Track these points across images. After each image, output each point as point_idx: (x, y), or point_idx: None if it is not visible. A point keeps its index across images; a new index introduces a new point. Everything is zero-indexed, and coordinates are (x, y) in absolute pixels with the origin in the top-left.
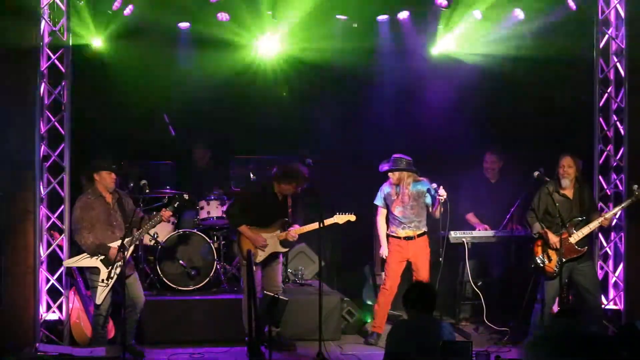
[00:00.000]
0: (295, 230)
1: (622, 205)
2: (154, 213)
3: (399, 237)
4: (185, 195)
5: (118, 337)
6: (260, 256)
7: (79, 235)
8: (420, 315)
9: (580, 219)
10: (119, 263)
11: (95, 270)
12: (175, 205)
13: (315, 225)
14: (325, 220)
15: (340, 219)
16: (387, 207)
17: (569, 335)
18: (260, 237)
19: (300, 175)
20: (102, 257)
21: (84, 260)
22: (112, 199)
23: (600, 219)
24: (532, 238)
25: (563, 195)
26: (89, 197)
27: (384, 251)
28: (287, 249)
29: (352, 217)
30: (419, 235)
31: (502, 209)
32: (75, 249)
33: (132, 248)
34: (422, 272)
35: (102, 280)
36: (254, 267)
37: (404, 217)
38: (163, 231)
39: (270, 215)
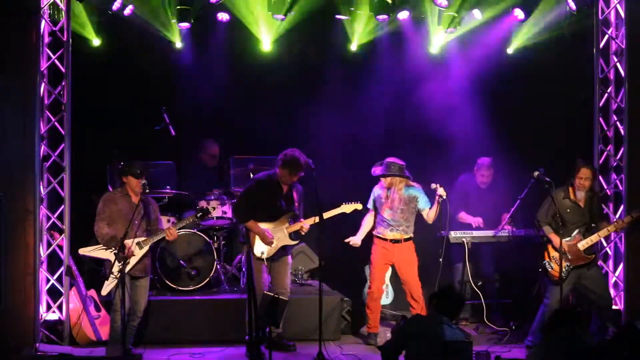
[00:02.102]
0: (307, 221)
1: (632, 215)
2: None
3: (385, 239)
4: (210, 209)
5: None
6: (271, 250)
7: (96, 225)
8: (438, 316)
9: (592, 225)
10: (128, 260)
11: (108, 263)
12: (198, 216)
13: (327, 215)
14: (332, 211)
15: (347, 208)
16: (376, 209)
17: (568, 350)
18: (268, 233)
19: (297, 162)
20: (115, 250)
21: (99, 251)
22: (138, 200)
23: (611, 228)
24: (532, 239)
25: (574, 202)
26: (116, 193)
27: (356, 238)
28: (296, 242)
29: (359, 206)
30: (405, 240)
31: (493, 212)
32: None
33: (145, 249)
34: (408, 277)
35: (112, 274)
36: (263, 264)
37: (392, 219)
38: None
39: (277, 209)
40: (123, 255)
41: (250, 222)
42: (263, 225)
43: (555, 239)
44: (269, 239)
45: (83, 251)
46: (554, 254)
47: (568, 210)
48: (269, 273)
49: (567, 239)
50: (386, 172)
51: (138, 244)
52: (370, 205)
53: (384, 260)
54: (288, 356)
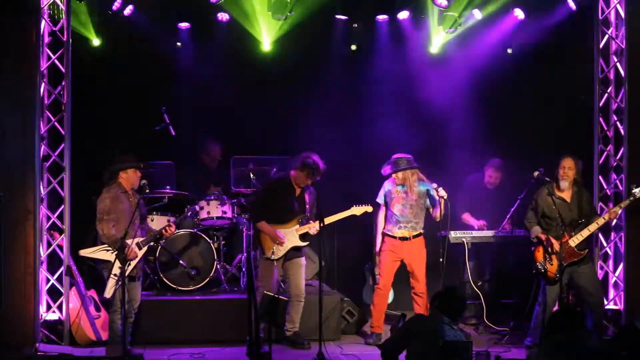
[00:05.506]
0: (316, 223)
1: (620, 205)
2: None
3: (394, 237)
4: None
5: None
6: (280, 251)
7: (102, 224)
8: (440, 316)
9: (579, 221)
10: (130, 261)
11: (108, 264)
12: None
13: (337, 216)
14: (342, 213)
15: (357, 210)
16: (387, 204)
17: (569, 352)
18: (278, 234)
19: (316, 166)
20: (117, 252)
21: (100, 252)
22: (134, 198)
23: (600, 221)
24: (532, 241)
25: (560, 198)
26: (118, 191)
27: (378, 247)
28: (307, 243)
29: (369, 208)
30: (414, 237)
31: (499, 212)
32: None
33: (144, 249)
34: (418, 274)
35: (114, 275)
36: (273, 264)
37: (402, 215)
38: None
39: (289, 211)
40: (124, 255)
41: (261, 223)
42: (274, 227)
43: (552, 242)
44: (280, 239)
45: (84, 252)
46: (546, 254)
47: (554, 207)
48: (280, 274)
49: (556, 236)
50: (395, 168)
51: (137, 244)
52: (380, 200)
53: (393, 257)
54: (289, 356)
